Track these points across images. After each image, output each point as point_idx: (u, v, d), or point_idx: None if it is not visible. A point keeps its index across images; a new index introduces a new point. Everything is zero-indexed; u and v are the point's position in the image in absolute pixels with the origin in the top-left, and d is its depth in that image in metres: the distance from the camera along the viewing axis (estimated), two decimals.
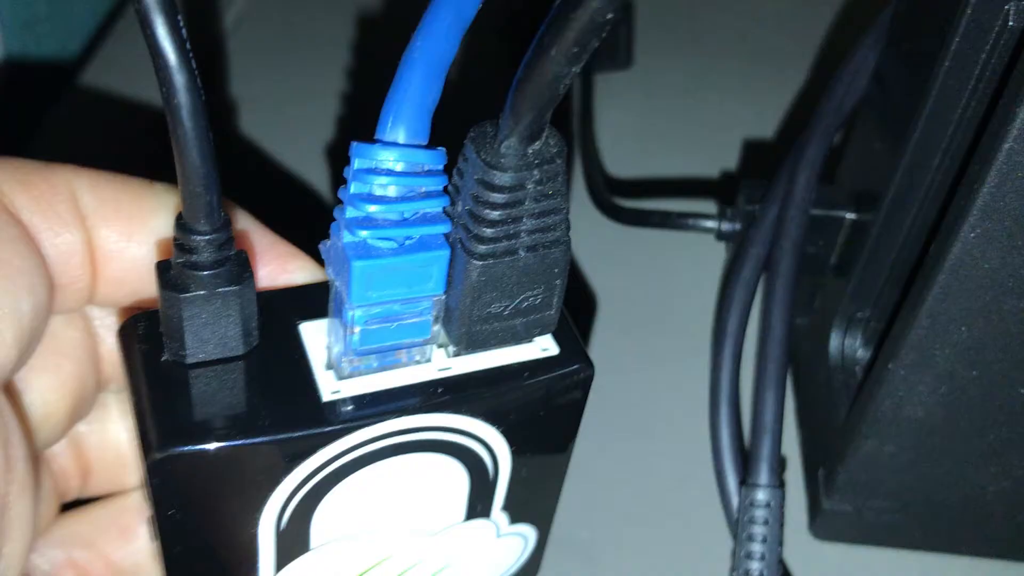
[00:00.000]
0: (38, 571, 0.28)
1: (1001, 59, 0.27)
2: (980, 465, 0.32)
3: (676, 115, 0.52)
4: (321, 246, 0.23)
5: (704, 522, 0.36)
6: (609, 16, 0.16)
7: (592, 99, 0.50)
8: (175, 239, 0.21)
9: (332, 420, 0.23)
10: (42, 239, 0.24)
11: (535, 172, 0.20)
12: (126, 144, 0.47)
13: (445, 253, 0.21)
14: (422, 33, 0.20)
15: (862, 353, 0.35)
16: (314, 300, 0.24)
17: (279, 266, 0.26)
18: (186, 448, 0.22)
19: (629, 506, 0.37)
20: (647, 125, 0.51)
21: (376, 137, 0.20)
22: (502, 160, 0.20)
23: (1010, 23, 0.27)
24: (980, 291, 0.27)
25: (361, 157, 0.20)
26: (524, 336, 0.24)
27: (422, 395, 0.23)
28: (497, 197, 0.20)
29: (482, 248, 0.21)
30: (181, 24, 0.18)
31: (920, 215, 0.31)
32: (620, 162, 0.49)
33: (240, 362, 0.23)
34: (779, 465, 0.34)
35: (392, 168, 0.20)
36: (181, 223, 0.21)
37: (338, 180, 0.45)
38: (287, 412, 0.23)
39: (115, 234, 0.25)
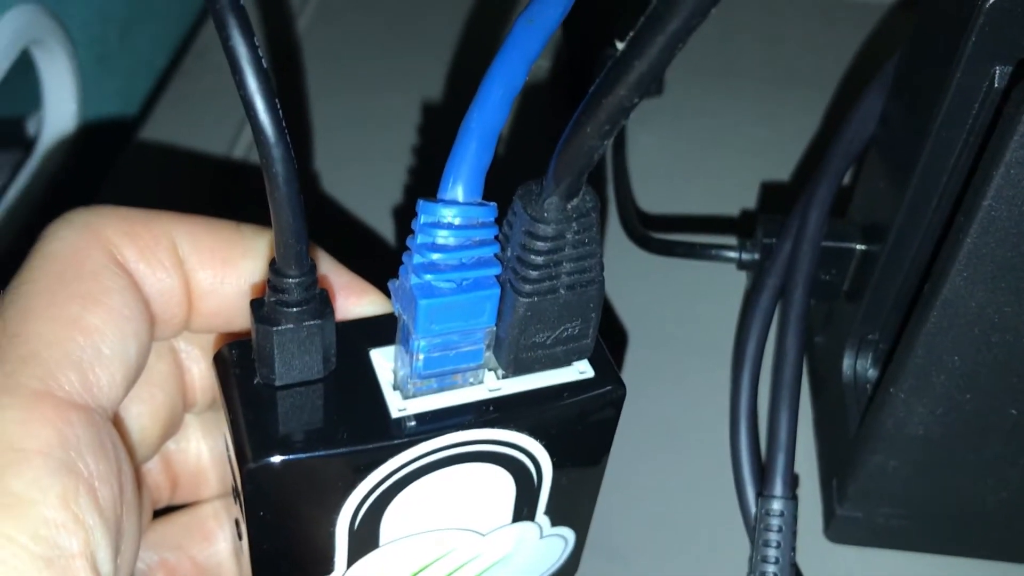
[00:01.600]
0: (136, 571, 0.31)
1: (988, 116, 0.30)
2: (978, 477, 0.35)
3: (704, 141, 0.55)
4: (390, 284, 0.26)
5: (724, 529, 0.39)
6: (636, 102, 0.20)
7: (625, 127, 0.53)
8: (269, 281, 0.25)
9: (399, 434, 0.26)
10: (146, 284, 0.27)
11: (573, 224, 0.24)
12: (192, 190, 0.50)
13: (496, 291, 0.25)
14: (477, 105, 0.24)
15: (872, 372, 0.38)
16: (382, 330, 0.28)
17: (355, 299, 0.29)
18: (276, 459, 0.25)
19: (656, 513, 0.40)
20: (676, 151, 0.54)
21: (439, 195, 0.24)
22: (545, 215, 0.23)
23: (996, 84, 0.30)
24: (969, 326, 0.30)
25: (426, 213, 0.24)
26: (564, 361, 0.27)
27: (475, 412, 0.27)
28: (541, 245, 0.24)
29: (528, 287, 0.24)
30: (278, 104, 0.22)
31: (921, 248, 0.34)
32: (650, 187, 0.51)
33: (320, 384, 0.27)
34: (792, 479, 0.37)
35: (452, 222, 0.24)
36: (275, 267, 0.25)
37: (400, 228, 0.50)
38: (361, 427, 0.26)
39: (210, 275, 0.28)
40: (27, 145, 0.51)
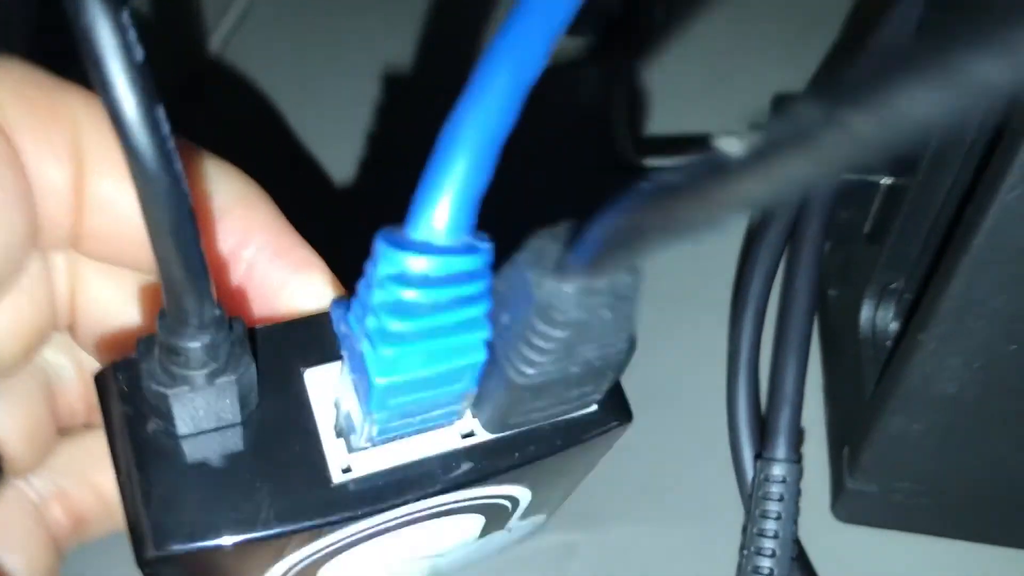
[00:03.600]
0: (25, 501, 0.27)
1: None
2: (1017, 448, 0.31)
3: (710, 72, 0.49)
4: (333, 309, 0.20)
5: (718, 497, 0.34)
6: (735, 218, 0.13)
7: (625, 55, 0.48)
8: (159, 338, 0.18)
9: (340, 509, 0.20)
10: (28, 166, 0.21)
11: (604, 311, 0.17)
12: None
13: (480, 359, 0.18)
14: (472, 100, 0.16)
15: (894, 326, 0.33)
16: (321, 334, 0.21)
17: (292, 273, 0.23)
18: (179, 547, 0.20)
19: (640, 478, 0.35)
20: (679, 82, 0.48)
21: (407, 228, 0.17)
22: (565, 302, 0.17)
23: None
24: (1021, 256, 0.25)
25: (387, 262, 0.17)
26: (561, 415, 0.21)
27: (443, 470, 0.21)
28: (557, 335, 0.17)
29: (528, 371, 0.18)
30: (160, 115, 0.15)
31: (960, 176, 0.29)
32: (649, 118, 0.46)
33: (238, 430, 0.20)
34: (797, 439, 0.32)
35: (426, 275, 0.17)
36: (166, 323, 0.18)
37: (370, 179, 0.43)
38: (292, 500, 0.20)
39: (110, 182, 0.22)
40: None
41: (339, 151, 0.44)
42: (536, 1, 0.16)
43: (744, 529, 0.32)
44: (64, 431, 0.28)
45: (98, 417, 0.27)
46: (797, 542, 0.32)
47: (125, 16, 0.14)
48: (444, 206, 0.17)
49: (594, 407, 0.22)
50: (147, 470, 0.20)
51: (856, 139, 0.10)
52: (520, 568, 0.32)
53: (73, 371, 0.26)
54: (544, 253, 0.17)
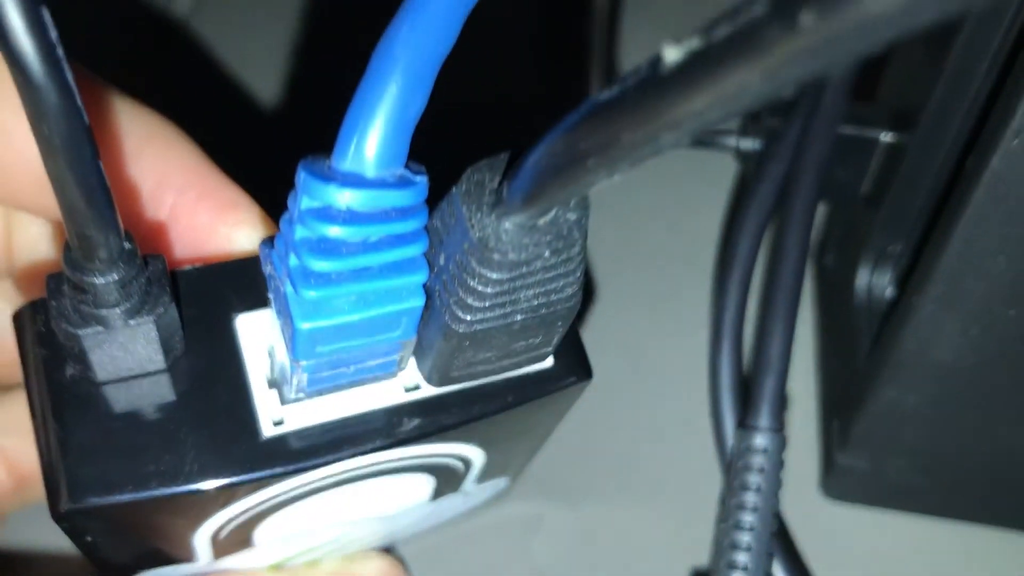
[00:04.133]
0: None
1: None
2: (1015, 421, 0.29)
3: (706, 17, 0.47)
4: (261, 248, 0.18)
5: (699, 464, 0.33)
6: (681, 142, 0.11)
7: (619, 13, 0.45)
8: (65, 274, 0.17)
9: (271, 464, 0.19)
10: None
11: (544, 251, 0.15)
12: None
13: (419, 303, 0.17)
14: (407, 19, 0.15)
15: (890, 292, 0.31)
16: (255, 280, 0.19)
17: (219, 214, 0.22)
18: (97, 501, 0.18)
19: (620, 448, 0.34)
20: (674, 29, 0.46)
21: (334, 159, 0.15)
22: (502, 240, 0.15)
23: None
24: (1021, 214, 0.24)
25: (309, 194, 0.15)
26: (512, 369, 0.19)
27: (385, 425, 0.19)
28: (493, 277, 0.15)
29: (467, 317, 0.16)
30: (45, 16, 0.13)
31: (961, 133, 0.28)
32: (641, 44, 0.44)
33: (163, 376, 0.19)
34: (781, 407, 0.31)
35: (354, 210, 0.15)
36: (71, 258, 0.16)
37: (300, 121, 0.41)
38: (218, 453, 0.19)
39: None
40: None
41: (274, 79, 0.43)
42: None
43: (722, 501, 0.31)
44: (4, 387, 0.26)
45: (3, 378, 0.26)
46: (778, 516, 0.31)
47: None
48: (374, 133, 0.15)
49: (549, 362, 0.20)
50: (64, 418, 0.19)
51: (811, 43, 0.09)
52: (486, 538, 0.32)
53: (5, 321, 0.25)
54: (481, 187, 0.15)
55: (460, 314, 0.16)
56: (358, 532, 0.25)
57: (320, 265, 0.15)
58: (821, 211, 0.36)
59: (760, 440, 0.30)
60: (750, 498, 0.30)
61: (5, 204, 0.22)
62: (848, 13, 0.08)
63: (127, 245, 0.17)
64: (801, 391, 0.35)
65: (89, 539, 0.20)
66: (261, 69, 0.44)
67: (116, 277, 0.16)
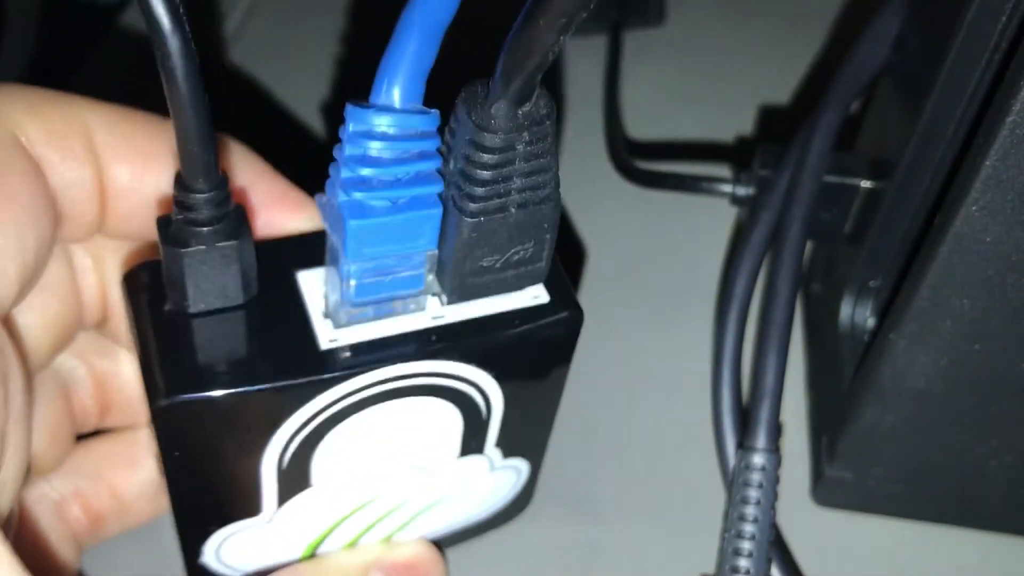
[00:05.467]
0: (47, 500, 0.29)
1: (1012, 33, 0.27)
2: (982, 438, 0.32)
3: (704, 76, 0.51)
4: (317, 199, 0.23)
5: (703, 481, 0.36)
6: None
7: (620, 57, 0.50)
8: (174, 196, 0.22)
9: (329, 368, 0.23)
10: (54, 174, 0.24)
11: (524, 134, 0.20)
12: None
13: (437, 211, 0.22)
14: None
15: (871, 322, 0.34)
16: (313, 248, 0.24)
17: (289, 214, 0.27)
18: (189, 396, 0.23)
19: (631, 460, 0.37)
20: (675, 85, 0.50)
21: (371, 99, 0.21)
22: (492, 122, 0.20)
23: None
24: (982, 263, 0.27)
25: (355, 121, 0.21)
26: (515, 286, 0.24)
27: (416, 343, 0.24)
28: (487, 158, 0.20)
29: (473, 206, 0.21)
30: None
31: (932, 185, 0.31)
32: (645, 122, 0.48)
33: (241, 311, 0.24)
34: (776, 430, 0.34)
35: (386, 132, 0.21)
36: (180, 181, 0.21)
37: (331, 128, 0.45)
38: (286, 360, 0.23)
39: (127, 171, 0.25)
40: None
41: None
42: None
43: (725, 514, 0.34)
44: (79, 434, 0.30)
45: (110, 419, 0.30)
46: (775, 526, 0.34)
47: None
48: (400, 77, 0.21)
49: (546, 298, 0.25)
50: (163, 339, 0.23)
51: None
52: (499, 556, 0.34)
53: (86, 374, 0.29)
54: (475, 92, 0.20)
55: (468, 205, 0.21)
56: (399, 496, 0.28)
57: (365, 171, 0.21)
58: (808, 245, 0.38)
59: (758, 459, 0.33)
60: (750, 511, 0.33)
61: (132, 239, 0.27)
62: None
63: (221, 177, 0.22)
64: (794, 408, 0.38)
65: (177, 454, 0.24)
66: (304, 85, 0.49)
67: (212, 195, 0.21)
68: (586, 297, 0.40)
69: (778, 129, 0.48)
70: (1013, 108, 0.24)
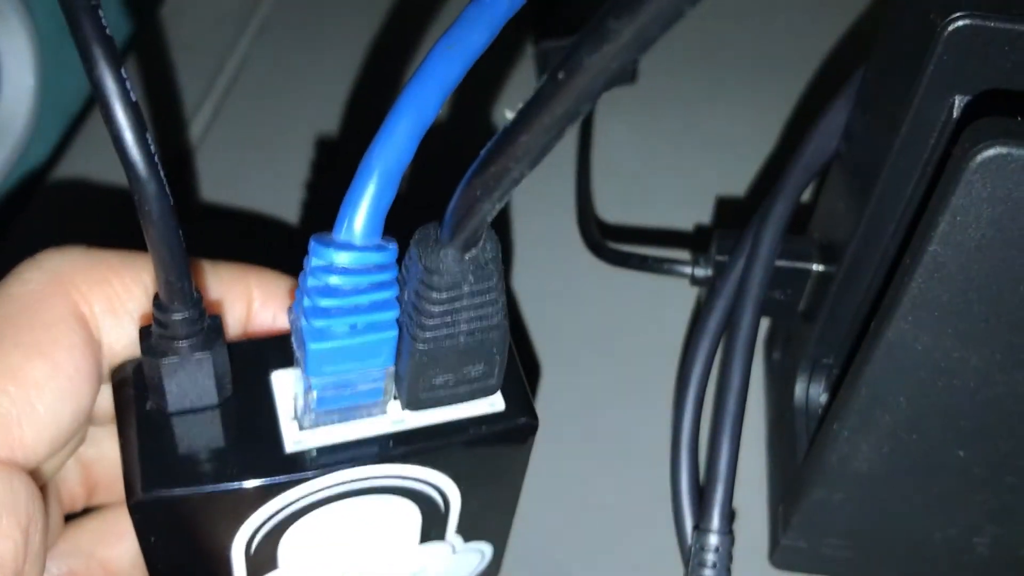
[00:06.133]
0: None
1: (943, 149, 0.29)
2: (925, 514, 0.34)
3: (674, 135, 0.53)
4: (288, 313, 0.25)
5: (663, 557, 0.38)
6: (525, 174, 0.18)
7: (593, 116, 0.52)
8: (154, 315, 0.24)
9: (292, 470, 0.25)
10: (111, 336, 0.26)
11: (470, 276, 0.22)
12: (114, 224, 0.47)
13: (393, 334, 0.24)
14: (380, 140, 0.22)
15: (824, 397, 0.36)
16: (285, 348, 0.26)
17: (273, 316, 0.29)
18: (163, 492, 0.25)
19: (594, 536, 0.39)
20: (644, 146, 0.52)
21: (334, 233, 0.23)
22: (440, 266, 0.22)
23: (953, 115, 0.28)
24: (915, 368, 0.29)
25: (317, 256, 0.23)
26: (468, 399, 0.26)
27: (376, 447, 0.26)
28: (436, 295, 0.22)
29: (424, 335, 0.23)
30: (150, 139, 0.20)
31: (876, 275, 0.32)
32: (612, 186, 0.50)
33: (216, 411, 0.26)
34: (729, 513, 0.35)
35: (346, 267, 0.23)
36: (158, 302, 0.23)
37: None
38: (252, 461, 0.25)
39: None
40: None
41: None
42: (431, 66, 0.22)
43: None
44: (68, 516, 0.31)
45: (97, 498, 0.32)
46: None
47: (123, 71, 0.20)
48: (360, 216, 0.23)
49: (502, 405, 0.27)
50: (143, 435, 0.25)
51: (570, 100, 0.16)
52: None
53: (73, 463, 0.30)
54: (427, 235, 0.22)
55: (419, 333, 0.23)
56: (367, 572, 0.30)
57: (324, 303, 0.23)
58: (766, 318, 0.41)
59: (712, 540, 0.35)
60: None
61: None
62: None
63: (196, 295, 0.24)
64: (755, 471, 0.40)
65: (153, 540, 0.26)
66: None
67: (187, 315, 0.23)
68: (552, 368, 0.42)
69: (739, 209, 0.50)
70: (934, 238, 0.26)
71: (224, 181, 0.50)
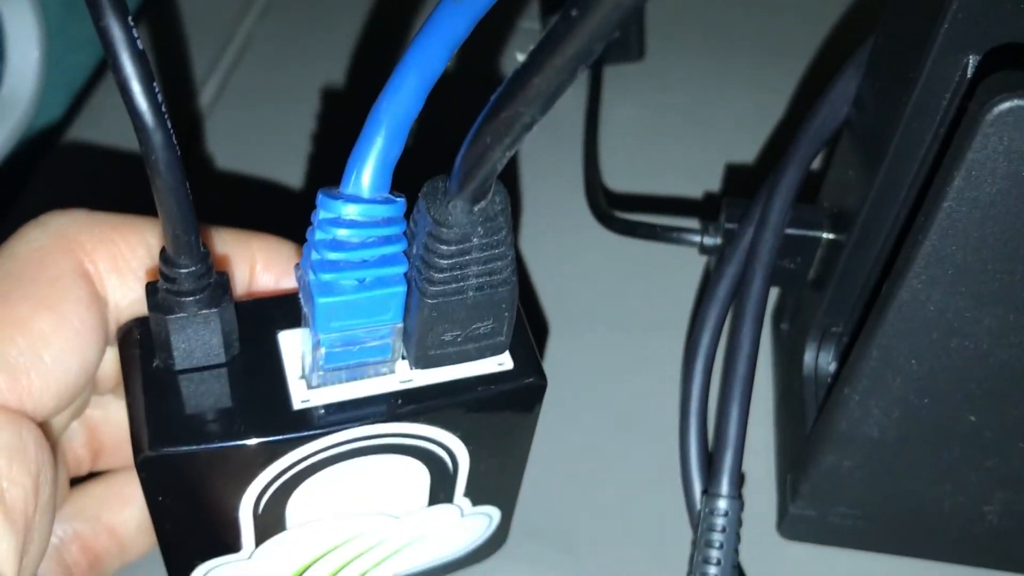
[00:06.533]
0: (50, 546, 0.30)
1: (957, 108, 0.28)
2: (935, 481, 0.34)
3: (681, 111, 0.53)
4: (294, 270, 0.25)
5: (672, 523, 0.37)
6: (537, 119, 0.18)
7: (600, 93, 0.51)
8: (160, 269, 0.23)
9: (299, 428, 0.25)
10: (116, 294, 0.26)
11: (479, 228, 0.22)
12: (120, 191, 0.47)
13: (402, 289, 0.23)
14: (388, 93, 0.22)
15: (833, 366, 0.36)
16: (295, 307, 0.26)
17: (278, 277, 0.29)
18: (170, 449, 0.24)
19: (603, 503, 0.38)
20: (651, 121, 0.52)
21: (341, 187, 0.22)
22: (449, 218, 0.22)
23: (967, 74, 0.28)
24: (927, 330, 0.29)
25: (325, 209, 0.22)
26: (477, 357, 0.26)
27: (384, 405, 0.26)
28: (444, 249, 0.22)
29: (432, 289, 0.23)
30: (156, 88, 0.20)
31: (887, 241, 0.32)
32: (620, 158, 0.50)
33: (223, 370, 0.26)
34: (739, 477, 0.35)
35: (354, 219, 0.22)
36: (165, 256, 0.23)
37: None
38: (260, 418, 0.25)
39: None
40: None
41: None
42: (439, 20, 0.22)
43: (691, 557, 0.36)
44: (73, 479, 0.32)
45: (102, 462, 0.32)
46: (738, 567, 0.35)
47: (130, 20, 0.20)
48: (367, 170, 0.22)
49: (510, 364, 0.26)
50: (150, 393, 0.25)
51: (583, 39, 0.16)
52: None
53: (79, 425, 0.31)
54: (435, 188, 0.22)
55: (427, 287, 0.23)
56: (372, 538, 0.30)
57: (332, 255, 0.22)
58: (775, 289, 0.41)
59: (721, 505, 0.35)
60: (713, 553, 0.34)
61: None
62: None
63: (203, 250, 0.23)
64: (762, 442, 0.39)
65: (160, 499, 0.26)
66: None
67: (194, 269, 0.23)
68: (561, 336, 0.42)
69: (748, 178, 0.50)
70: (948, 194, 0.25)
71: (232, 146, 0.50)
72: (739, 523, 0.35)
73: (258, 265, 0.28)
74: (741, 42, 0.57)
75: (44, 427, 0.25)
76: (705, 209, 0.48)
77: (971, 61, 0.28)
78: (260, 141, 0.50)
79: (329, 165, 0.49)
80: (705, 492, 0.35)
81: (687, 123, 0.52)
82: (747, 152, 0.51)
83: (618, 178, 0.49)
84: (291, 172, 0.49)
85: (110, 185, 0.47)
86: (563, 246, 0.46)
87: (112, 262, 0.26)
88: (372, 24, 0.56)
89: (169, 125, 0.21)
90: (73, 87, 0.54)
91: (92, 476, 0.32)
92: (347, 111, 0.52)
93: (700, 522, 0.35)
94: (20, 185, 0.48)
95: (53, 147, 0.50)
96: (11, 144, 0.49)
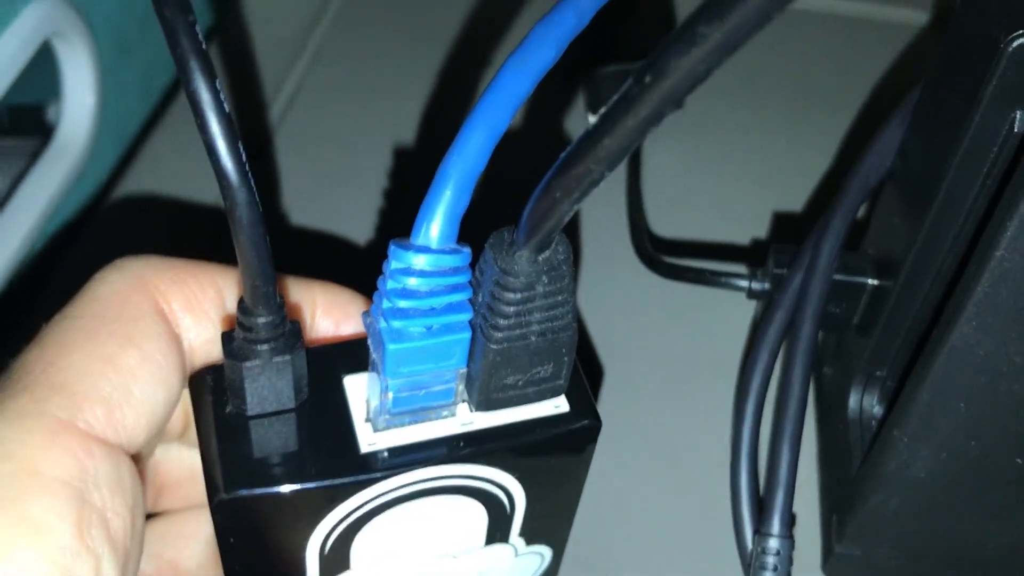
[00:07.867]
0: None
1: (1006, 161, 0.29)
2: (980, 522, 0.34)
3: (721, 160, 0.54)
4: (363, 317, 0.25)
5: (722, 562, 0.38)
6: (605, 175, 0.19)
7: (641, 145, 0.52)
8: (237, 318, 0.25)
9: (366, 470, 0.26)
10: (190, 334, 0.28)
11: (544, 277, 0.23)
12: (172, 239, 0.49)
13: (467, 336, 0.25)
14: (456, 149, 0.23)
15: (878, 410, 0.37)
16: (360, 352, 0.27)
17: (340, 323, 0.30)
18: (244, 492, 0.25)
19: (654, 543, 0.39)
20: (692, 169, 0.53)
21: (411, 238, 0.24)
22: (515, 267, 0.23)
23: (1015, 129, 0.29)
24: (976, 374, 0.29)
25: (396, 259, 0.24)
26: (536, 400, 0.27)
27: (446, 448, 0.26)
28: (510, 296, 0.23)
29: (498, 335, 0.24)
30: (241, 148, 0.21)
31: (933, 288, 0.33)
32: (663, 205, 0.51)
33: (292, 414, 0.26)
34: (790, 517, 0.36)
35: (423, 269, 0.23)
36: (242, 306, 0.24)
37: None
38: (329, 461, 0.26)
39: None
40: (46, 132, 0.50)
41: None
42: (504, 80, 0.23)
43: None
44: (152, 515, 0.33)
45: (163, 503, 0.33)
46: None
47: (217, 83, 0.21)
48: (436, 221, 0.23)
49: (566, 407, 0.27)
50: (223, 438, 0.26)
51: (655, 103, 0.17)
52: None
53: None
54: (502, 239, 0.23)
55: (493, 333, 0.24)
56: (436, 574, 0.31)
57: (402, 303, 0.23)
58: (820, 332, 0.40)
59: (773, 544, 0.36)
60: None
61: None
62: None
63: (279, 300, 0.24)
64: (807, 484, 0.40)
65: (232, 540, 0.27)
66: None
67: (271, 319, 0.24)
68: (612, 378, 0.43)
69: (791, 226, 0.51)
70: (1001, 243, 0.26)
71: (295, 197, 0.51)
72: (790, 562, 0.35)
73: (318, 311, 0.29)
74: (776, 92, 0.58)
75: (134, 460, 0.27)
76: (745, 255, 0.49)
77: (1019, 116, 0.29)
78: (325, 184, 0.52)
79: (395, 206, 0.50)
80: (757, 532, 0.36)
81: (726, 171, 0.53)
82: (789, 198, 0.52)
83: (661, 224, 0.50)
84: (357, 216, 0.50)
85: (163, 236, 0.49)
86: (611, 290, 0.47)
87: (186, 303, 0.27)
88: (437, 78, 0.57)
89: (252, 184, 0.22)
90: (125, 135, 0.56)
91: (151, 516, 0.33)
92: (414, 150, 0.53)
93: (752, 560, 0.36)
94: (72, 236, 0.50)
95: (105, 195, 0.51)
96: (66, 188, 0.50)
